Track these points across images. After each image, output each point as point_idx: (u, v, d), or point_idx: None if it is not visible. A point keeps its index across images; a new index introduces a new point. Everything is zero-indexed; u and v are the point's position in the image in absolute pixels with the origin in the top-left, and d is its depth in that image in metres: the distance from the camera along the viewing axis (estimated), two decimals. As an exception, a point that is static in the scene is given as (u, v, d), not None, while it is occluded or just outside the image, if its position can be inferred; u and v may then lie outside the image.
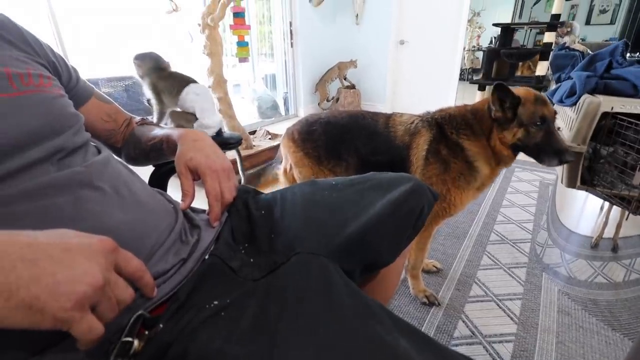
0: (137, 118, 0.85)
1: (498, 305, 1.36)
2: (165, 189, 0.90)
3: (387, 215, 0.63)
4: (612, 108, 1.32)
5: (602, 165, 1.42)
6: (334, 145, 1.34)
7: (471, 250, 1.72)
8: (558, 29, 3.98)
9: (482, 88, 3.71)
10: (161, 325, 0.46)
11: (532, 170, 2.67)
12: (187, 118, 1.89)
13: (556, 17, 3.15)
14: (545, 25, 3.30)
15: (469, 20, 5.08)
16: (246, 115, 3.94)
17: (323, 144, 1.35)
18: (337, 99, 4.58)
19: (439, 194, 0.95)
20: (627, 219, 1.51)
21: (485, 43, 8.37)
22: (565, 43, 4.10)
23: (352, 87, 4.65)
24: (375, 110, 1.42)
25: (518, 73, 4.77)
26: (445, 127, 1.20)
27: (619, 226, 1.63)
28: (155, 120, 1.90)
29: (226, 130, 2.17)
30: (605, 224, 1.72)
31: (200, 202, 0.68)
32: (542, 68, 3.34)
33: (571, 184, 1.47)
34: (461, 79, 4.93)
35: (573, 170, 1.46)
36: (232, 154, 2.14)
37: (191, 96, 1.84)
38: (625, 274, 1.48)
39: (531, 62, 4.42)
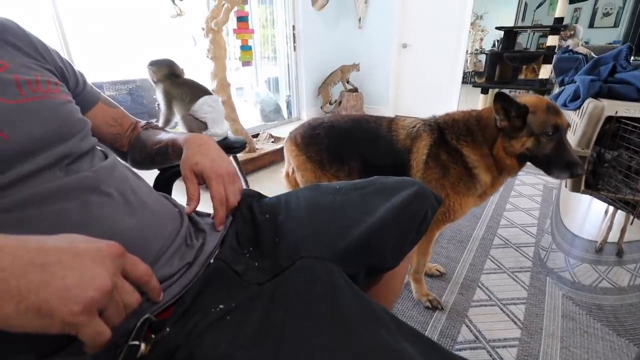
0: (143, 122, 0.86)
1: (502, 309, 1.35)
2: (170, 193, 0.91)
3: (391, 219, 0.63)
4: (616, 112, 1.32)
5: (607, 169, 1.41)
6: (337, 149, 1.34)
7: (475, 254, 1.71)
8: (561, 32, 3.97)
9: (485, 91, 3.71)
10: (168, 329, 0.46)
11: (535, 174, 2.67)
12: (199, 125, 1.92)
13: (559, 20, 3.15)
14: (549, 29, 3.30)
15: (471, 24, 5.08)
16: (249, 119, 3.96)
17: (326, 148, 1.35)
18: (340, 102, 4.59)
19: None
20: (631, 223, 1.50)
21: (488, 46, 8.37)
22: (568, 46, 4.10)
23: (355, 90, 4.66)
24: (378, 114, 1.42)
25: (522, 76, 4.76)
26: (446, 132, 1.20)
27: (623, 230, 1.63)
28: (160, 125, 1.91)
29: (230, 134, 2.19)
30: (610, 228, 1.71)
31: (205, 206, 0.69)
32: (546, 71, 3.33)
33: (575, 188, 1.47)
34: (464, 82, 4.93)
35: (577, 174, 1.45)
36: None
37: (205, 107, 1.89)
38: (630, 279, 1.47)
39: (536, 65, 4.41)
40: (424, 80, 4.67)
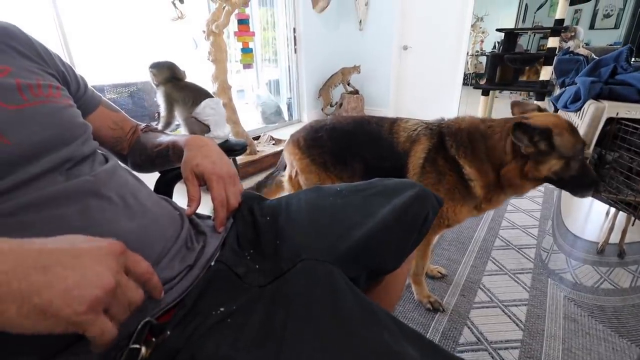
0: (142, 125, 0.86)
1: (503, 311, 1.35)
2: (171, 196, 0.91)
3: (392, 221, 0.63)
4: (617, 113, 1.32)
5: (608, 170, 1.41)
6: (340, 151, 1.34)
7: (476, 255, 1.71)
8: (562, 34, 3.97)
9: (485, 93, 3.71)
10: (169, 332, 0.46)
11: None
12: (201, 127, 1.92)
13: (560, 21, 3.14)
14: (549, 30, 3.30)
15: (472, 25, 5.08)
16: (250, 121, 3.96)
17: (329, 150, 1.35)
18: (341, 105, 4.59)
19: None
20: (633, 224, 1.50)
21: (488, 48, 8.37)
22: (569, 48, 4.10)
23: (356, 92, 4.66)
24: (379, 116, 1.42)
25: (524, 78, 4.76)
26: (446, 138, 1.17)
27: (624, 232, 1.62)
28: (160, 127, 1.92)
29: (231, 137, 2.20)
30: (611, 229, 1.71)
31: (205, 207, 0.69)
32: (547, 73, 3.33)
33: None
34: (465, 83, 4.92)
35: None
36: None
37: (208, 110, 1.90)
38: (632, 280, 1.47)
39: (538, 66, 4.41)
40: (425, 82, 4.68)
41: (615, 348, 1.18)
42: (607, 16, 7.37)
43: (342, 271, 0.57)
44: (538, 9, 8.03)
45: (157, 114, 2.06)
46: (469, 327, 1.28)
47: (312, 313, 0.48)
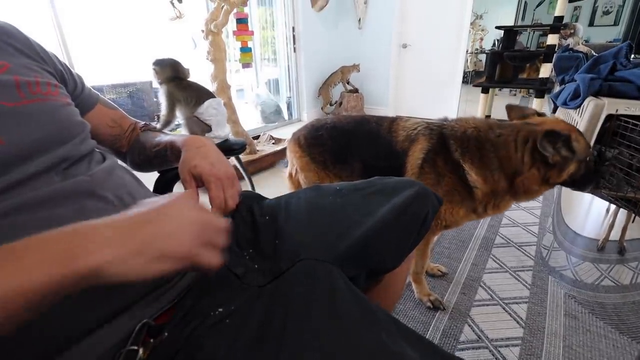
0: (141, 123, 0.86)
1: (504, 308, 1.35)
2: (170, 196, 0.90)
3: (392, 220, 0.63)
4: (616, 110, 1.32)
5: (607, 167, 1.41)
6: (340, 150, 1.34)
7: (476, 253, 1.71)
8: (561, 31, 3.97)
9: (485, 91, 3.71)
10: (166, 334, 0.46)
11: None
12: (202, 127, 1.92)
13: (559, 18, 3.14)
14: (549, 27, 3.29)
15: (471, 23, 5.06)
16: (249, 120, 3.96)
17: (329, 149, 1.35)
18: (340, 103, 4.59)
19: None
20: (633, 221, 1.50)
21: (488, 45, 8.35)
22: (568, 45, 4.09)
23: (355, 91, 4.66)
24: (379, 114, 1.41)
25: (525, 75, 4.74)
26: (451, 142, 1.14)
27: (625, 228, 1.62)
28: (159, 126, 1.92)
29: (230, 136, 2.19)
30: (612, 226, 1.70)
31: (204, 208, 0.69)
32: (546, 70, 3.32)
33: (576, 186, 1.46)
34: (464, 81, 4.91)
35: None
36: (231, 160, 2.16)
37: (211, 110, 1.91)
38: (633, 277, 1.47)
39: (539, 63, 4.39)
40: (425, 80, 4.67)
41: (616, 345, 1.18)
42: (606, 13, 7.36)
43: (342, 270, 0.57)
44: (537, 6, 8.01)
45: (156, 116, 2.06)
46: (469, 325, 1.28)
47: (311, 313, 0.48)
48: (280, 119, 4.33)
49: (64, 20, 2.29)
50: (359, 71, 4.54)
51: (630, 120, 1.27)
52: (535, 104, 3.32)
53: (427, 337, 1.01)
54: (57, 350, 0.41)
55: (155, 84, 1.97)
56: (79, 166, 0.55)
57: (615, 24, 7.28)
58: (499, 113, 1.22)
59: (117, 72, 2.80)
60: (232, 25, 2.94)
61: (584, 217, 1.94)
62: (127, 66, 2.84)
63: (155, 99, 2.57)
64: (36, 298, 0.31)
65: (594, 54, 1.90)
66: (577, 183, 1.07)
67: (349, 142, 1.33)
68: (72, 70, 0.69)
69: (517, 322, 1.28)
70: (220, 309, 0.49)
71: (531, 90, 5.29)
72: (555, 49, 3.22)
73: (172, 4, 2.57)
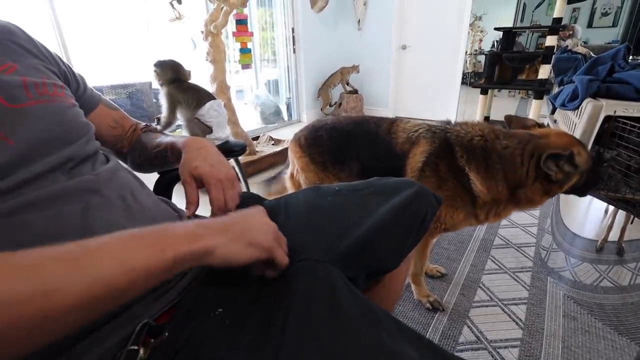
0: (142, 124, 0.86)
1: (503, 310, 1.35)
2: (170, 197, 0.91)
3: (391, 220, 0.63)
4: (614, 112, 1.32)
5: (606, 168, 1.41)
6: (339, 151, 1.34)
7: (475, 254, 1.71)
8: (560, 32, 3.98)
9: (484, 92, 3.71)
10: (167, 334, 0.46)
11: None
12: (203, 129, 1.93)
13: (558, 20, 3.14)
14: (547, 29, 3.30)
15: (470, 25, 5.08)
16: (249, 121, 3.96)
17: (328, 150, 1.35)
18: (340, 104, 4.59)
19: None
20: (632, 222, 1.50)
21: (487, 47, 8.36)
22: (567, 46, 4.10)
23: (355, 92, 4.66)
24: (379, 115, 1.41)
25: (524, 76, 4.75)
26: (456, 148, 1.13)
27: (623, 229, 1.62)
28: (160, 127, 1.92)
29: (230, 137, 2.20)
30: (610, 227, 1.71)
31: (203, 209, 0.69)
32: (545, 71, 3.33)
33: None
34: (463, 82, 4.92)
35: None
36: (230, 162, 2.16)
37: (212, 112, 1.91)
38: (631, 278, 1.47)
39: (538, 65, 4.38)
40: (424, 81, 4.68)
41: (614, 346, 1.18)
42: (605, 14, 7.37)
43: (341, 271, 0.57)
44: (536, 7, 8.03)
45: (156, 119, 2.06)
46: (468, 326, 1.28)
47: (311, 313, 0.48)
48: (280, 120, 4.33)
49: (63, 20, 2.29)
50: (359, 72, 4.55)
51: (628, 122, 1.28)
52: (534, 105, 3.33)
53: (426, 337, 1.02)
54: (58, 350, 0.42)
55: (155, 85, 1.98)
56: (84, 166, 0.55)
57: (614, 25, 7.29)
58: (498, 114, 1.22)
59: (117, 73, 2.80)
60: (231, 26, 2.94)
61: (582, 218, 1.94)
62: (127, 67, 2.84)
63: (154, 100, 2.56)
64: (139, 279, 0.37)
65: (593, 55, 1.90)
66: (578, 191, 1.09)
67: (348, 143, 1.33)
68: (74, 70, 0.69)
69: (516, 323, 1.28)
70: (221, 309, 0.49)
71: (530, 92, 5.29)
72: (554, 51, 3.23)
73: (172, 5, 2.57)
